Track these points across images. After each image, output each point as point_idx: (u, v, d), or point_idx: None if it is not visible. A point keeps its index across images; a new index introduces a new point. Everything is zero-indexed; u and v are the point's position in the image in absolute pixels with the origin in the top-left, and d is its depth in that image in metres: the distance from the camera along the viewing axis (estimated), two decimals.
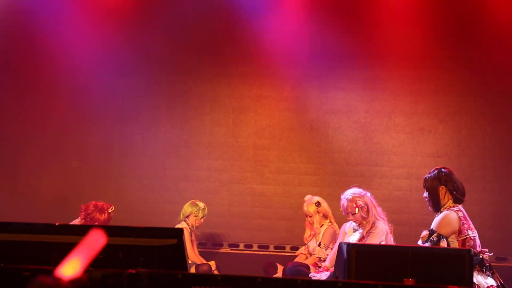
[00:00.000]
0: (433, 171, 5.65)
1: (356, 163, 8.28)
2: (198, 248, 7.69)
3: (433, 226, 5.39)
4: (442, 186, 5.51)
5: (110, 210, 6.72)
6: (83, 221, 6.68)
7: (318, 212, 7.07)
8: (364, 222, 6.18)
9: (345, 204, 6.23)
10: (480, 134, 8.09)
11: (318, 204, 7.08)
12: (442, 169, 5.64)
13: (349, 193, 6.28)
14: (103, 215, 6.69)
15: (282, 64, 8.43)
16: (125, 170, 8.39)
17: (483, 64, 8.10)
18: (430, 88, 8.23)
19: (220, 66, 8.46)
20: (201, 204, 7.53)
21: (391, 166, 8.24)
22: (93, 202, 6.75)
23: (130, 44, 8.43)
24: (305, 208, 7.13)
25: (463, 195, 5.55)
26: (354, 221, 6.25)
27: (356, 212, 6.15)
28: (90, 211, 6.65)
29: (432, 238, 5.34)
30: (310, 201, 7.14)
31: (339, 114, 8.37)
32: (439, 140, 8.21)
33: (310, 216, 7.06)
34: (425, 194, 5.58)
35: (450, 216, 5.41)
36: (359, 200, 6.18)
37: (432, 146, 8.22)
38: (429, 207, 5.55)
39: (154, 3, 8.53)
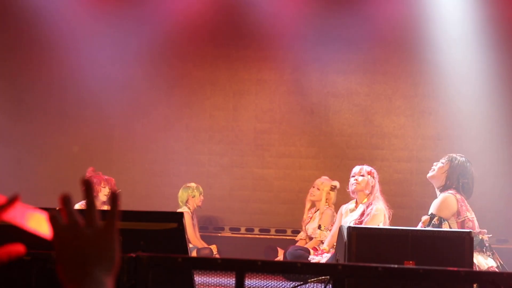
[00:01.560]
0: (462, 157, 5.67)
1: (357, 146, 8.28)
2: (199, 232, 7.71)
3: (432, 210, 5.41)
4: (460, 176, 5.57)
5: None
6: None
7: (328, 193, 7.12)
8: (366, 194, 6.14)
9: (361, 167, 6.27)
10: (481, 116, 8.08)
11: (333, 188, 7.14)
12: (468, 162, 5.68)
13: (366, 165, 6.35)
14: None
15: (282, 48, 8.41)
16: (126, 154, 8.40)
17: (484, 45, 8.07)
18: (430, 70, 8.21)
19: (220, 50, 8.44)
20: (192, 184, 7.60)
21: (392, 149, 8.24)
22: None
23: (129, 29, 8.40)
24: (319, 182, 7.15)
25: (470, 194, 5.60)
26: (354, 185, 6.19)
27: (367, 176, 6.17)
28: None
29: (434, 222, 5.36)
30: (328, 180, 7.18)
31: (339, 97, 8.36)
32: (440, 123, 8.20)
33: (319, 190, 7.09)
34: (439, 171, 5.59)
35: (448, 198, 5.45)
36: (374, 173, 6.24)
37: (433, 129, 8.21)
38: (436, 184, 5.57)
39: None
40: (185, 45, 8.45)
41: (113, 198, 1.23)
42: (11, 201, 1.21)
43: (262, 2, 8.33)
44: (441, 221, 5.36)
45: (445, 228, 5.31)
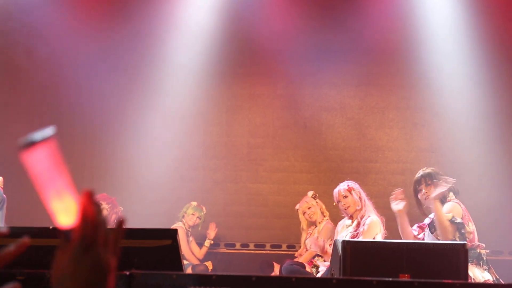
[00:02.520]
0: (429, 169, 5.73)
1: (351, 159, 8.28)
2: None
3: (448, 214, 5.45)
4: (442, 180, 5.60)
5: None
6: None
7: (317, 203, 7.15)
8: (358, 210, 6.10)
9: (338, 189, 6.19)
10: (474, 127, 8.10)
11: (315, 195, 7.17)
12: (433, 168, 5.78)
13: (343, 183, 6.29)
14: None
15: (275, 62, 8.43)
16: (119, 171, 8.37)
17: (476, 57, 8.10)
18: (422, 83, 8.23)
19: (213, 66, 8.44)
20: (193, 203, 7.63)
21: (386, 162, 8.25)
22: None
23: (120, 43, 8.41)
24: (303, 204, 7.18)
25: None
26: (345, 209, 6.13)
27: (349, 194, 6.09)
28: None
29: (455, 219, 5.39)
30: (305, 197, 7.22)
31: (332, 111, 8.37)
32: (433, 135, 8.22)
33: (310, 208, 7.11)
34: (426, 188, 5.62)
35: (458, 206, 5.50)
36: (352, 184, 6.18)
37: (426, 141, 8.23)
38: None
39: (142, 7, 8.50)
40: (177, 60, 8.45)
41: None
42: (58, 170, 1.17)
43: (254, 17, 8.36)
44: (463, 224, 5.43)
45: (469, 229, 5.38)
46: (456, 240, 5.36)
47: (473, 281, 5.17)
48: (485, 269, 5.45)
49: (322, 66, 8.34)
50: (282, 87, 8.44)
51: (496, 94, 8.06)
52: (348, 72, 8.35)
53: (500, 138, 8.01)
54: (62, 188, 1.18)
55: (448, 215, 5.42)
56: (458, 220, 5.43)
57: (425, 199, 5.63)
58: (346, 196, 6.09)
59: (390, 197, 5.68)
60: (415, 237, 5.72)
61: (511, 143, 7.99)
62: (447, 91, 8.18)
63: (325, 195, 7.58)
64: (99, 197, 7.13)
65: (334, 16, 8.33)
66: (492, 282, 5.25)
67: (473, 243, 5.48)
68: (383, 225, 6.05)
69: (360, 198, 6.10)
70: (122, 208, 7.35)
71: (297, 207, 7.33)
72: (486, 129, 8.07)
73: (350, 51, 8.30)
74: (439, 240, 5.36)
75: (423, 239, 5.68)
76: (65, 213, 1.18)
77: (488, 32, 8.07)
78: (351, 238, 5.92)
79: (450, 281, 2.74)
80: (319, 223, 7.12)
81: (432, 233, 5.50)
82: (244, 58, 8.46)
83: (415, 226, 5.80)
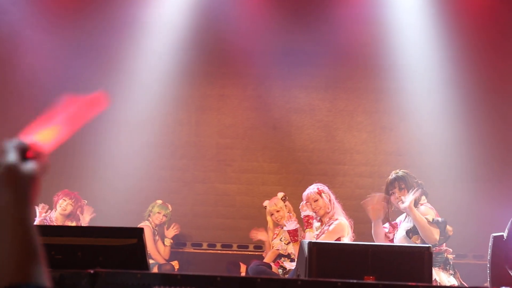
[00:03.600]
0: (401, 171, 5.76)
1: (319, 161, 8.32)
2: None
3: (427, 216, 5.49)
4: (415, 184, 5.64)
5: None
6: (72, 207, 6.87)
7: (286, 206, 7.15)
8: (327, 212, 6.11)
9: (308, 192, 6.18)
10: (441, 131, 8.18)
11: (284, 197, 7.18)
12: (406, 171, 5.80)
13: (311, 185, 6.29)
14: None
15: (245, 64, 8.44)
16: (87, 170, 8.30)
17: (445, 62, 8.19)
18: (391, 87, 8.30)
19: (182, 65, 8.42)
20: (158, 201, 7.62)
21: (354, 164, 8.30)
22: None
23: (90, 40, 8.35)
24: (272, 206, 7.18)
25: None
26: (316, 212, 6.14)
27: (319, 197, 6.09)
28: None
29: (437, 219, 5.44)
30: (275, 198, 7.22)
31: (301, 113, 8.40)
32: (401, 138, 8.28)
33: (278, 211, 7.11)
34: (399, 192, 5.64)
35: (430, 210, 5.54)
36: (321, 187, 6.18)
37: (394, 144, 8.29)
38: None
39: (115, 5, 8.45)
40: (147, 59, 8.41)
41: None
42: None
43: (225, 18, 8.36)
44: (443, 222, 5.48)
45: (450, 228, 5.43)
46: (439, 242, 5.41)
47: (438, 284, 5.21)
48: (451, 274, 5.50)
49: (291, 68, 8.36)
50: (252, 88, 8.45)
51: (463, 98, 8.15)
52: (318, 75, 8.39)
53: (466, 142, 8.10)
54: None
55: (427, 217, 5.46)
56: (440, 219, 5.47)
57: (397, 202, 5.65)
58: (316, 200, 6.09)
59: (365, 200, 5.68)
60: (386, 234, 5.75)
61: (477, 147, 8.08)
62: (415, 95, 8.25)
63: (293, 196, 7.60)
64: (61, 193, 7.09)
65: (304, 19, 8.36)
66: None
67: (441, 248, 5.53)
68: (351, 228, 6.08)
69: (330, 200, 6.12)
70: (86, 201, 7.31)
71: (265, 204, 7.33)
72: (453, 133, 8.16)
73: (320, 54, 8.34)
74: (417, 244, 5.39)
75: (393, 238, 5.72)
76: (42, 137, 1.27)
77: (457, 36, 8.16)
78: (316, 238, 5.95)
79: (414, 283, 2.77)
80: (285, 225, 7.13)
81: (410, 238, 5.53)
82: (214, 58, 8.45)
83: (386, 224, 5.83)
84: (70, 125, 1.25)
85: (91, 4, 8.47)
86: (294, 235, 6.31)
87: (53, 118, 1.25)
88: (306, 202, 6.14)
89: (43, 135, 1.25)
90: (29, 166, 1.19)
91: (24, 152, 1.20)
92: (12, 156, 1.17)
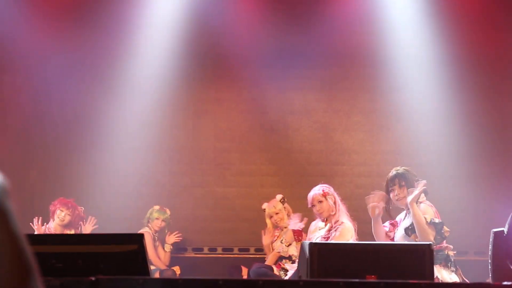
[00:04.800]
0: (402, 168, 5.76)
1: (317, 162, 8.31)
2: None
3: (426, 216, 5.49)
4: (415, 181, 5.65)
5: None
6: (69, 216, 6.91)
7: (285, 208, 7.16)
8: (332, 215, 6.11)
9: (313, 193, 6.19)
10: (438, 130, 8.18)
11: (283, 200, 7.18)
12: (407, 168, 5.81)
13: (317, 186, 6.30)
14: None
15: (240, 66, 8.43)
16: (85, 176, 8.29)
17: (441, 62, 8.19)
18: (387, 86, 8.30)
19: (178, 70, 8.41)
20: (155, 207, 7.60)
21: (352, 164, 8.30)
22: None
23: (86, 45, 8.34)
24: (270, 209, 7.18)
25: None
26: (319, 214, 6.15)
27: (324, 199, 6.10)
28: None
29: (435, 220, 5.43)
30: (274, 200, 7.22)
31: (298, 115, 8.39)
32: (398, 138, 8.28)
33: (277, 213, 7.11)
34: (399, 190, 5.64)
35: (429, 208, 5.54)
36: (327, 190, 6.19)
37: (391, 144, 8.29)
38: (403, 201, 5.61)
39: (110, 9, 8.44)
40: (143, 64, 8.40)
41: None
42: None
43: (220, 21, 8.35)
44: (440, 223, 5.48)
45: (447, 229, 5.43)
46: (434, 241, 5.41)
47: (439, 281, 5.21)
48: (453, 271, 5.50)
49: (287, 69, 8.36)
50: (248, 91, 8.44)
51: (460, 96, 8.16)
52: (313, 76, 8.39)
53: (463, 140, 8.11)
54: None
55: (426, 217, 5.46)
56: (437, 220, 5.47)
57: (397, 200, 5.66)
58: (321, 201, 6.11)
59: (368, 196, 5.70)
60: (386, 233, 5.75)
61: (475, 146, 8.09)
62: (412, 94, 8.26)
63: (291, 198, 7.61)
64: (57, 202, 7.07)
65: (299, 21, 8.36)
66: None
67: (441, 245, 5.53)
68: (355, 231, 6.08)
69: (334, 203, 6.13)
70: (83, 208, 7.30)
71: (264, 206, 7.33)
72: (450, 132, 8.16)
73: (315, 55, 8.34)
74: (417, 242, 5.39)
75: (394, 236, 5.72)
76: None
77: (452, 36, 8.16)
78: (322, 239, 5.95)
79: (415, 281, 2.76)
80: (285, 227, 7.14)
81: (409, 236, 5.53)
82: (210, 62, 8.45)
83: (386, 223, 5.83)
84: None
85: (85, 9, 8.45)
86: (298, 234, 6.30)
87: None
88: (312, 205, 6.16)
89: None
90: None
91: None
92: None
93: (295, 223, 6.25)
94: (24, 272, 1.12)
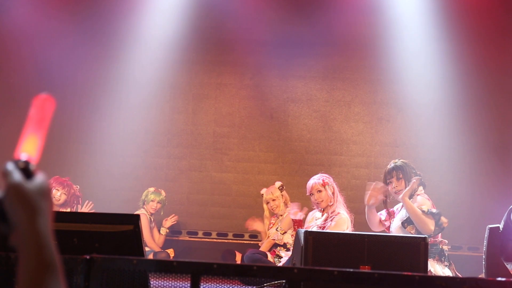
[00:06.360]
0: (400, 161, 5.78)
1: (316, 151, 8.31)
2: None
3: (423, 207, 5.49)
4: (413, 174, 5.67)
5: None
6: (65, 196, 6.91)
7: (282, 196, 7.16)
8: (329, 205, 6.12)
9: (312, 182, 6.19)
10: (438, 124, 8.18)
11: (282, 187, 7.18)
12: (405, 161, 5.83)
13: (317, 175, 6.30)
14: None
15: (243, 52, 8.41)
16: (82, 156, 8.30)
17: (443, 54, 8.18)
18: (389, 78, 8.29)
19: (180, 53, 8.40)
20: (150, 189, 7.61)
21: (350, 155, 8.30)
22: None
23: (89, 30, 8.33)
24: (268, 195, 7.18)
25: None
26: (317, 203, 6.15)
27: (323, 189, 6.10)
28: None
29: (432, 210, 5.44)
30: (272, 186, 7.23)
31: (299, 103, 8.39)
32: (398, 130, 8.28)
33: (274, 200, 7.12)
34: (397, 182, 5.66)
35: (426, 200, 5.56)
36: (327, 180, 6.19)
37: (391, 136, 8.29)
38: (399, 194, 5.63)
39: None
40: (145, 47, 8.39)
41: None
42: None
43: (223, 6, 8.33)
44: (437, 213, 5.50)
45: (444, 219, 5.45)
46: (433, 232, 5.43)
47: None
48: (446, 266, 5.52)
49: (289, 57, 8.34)
50: (250, 77, 8.43)
51: (461, 90, 8.15)
52: (316, 65, 8.37)
53: (462, 135, 8.11)
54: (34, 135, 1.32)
55: (423, 208, 5.47)
56: (434, 210, 5.49)
57: (395, 192, 5.67)
58: (320, 191, 6.11)
59: (370, 183, 5.73)
60: (381, 221, 5.77)
61: (473, 141, 8.09)
62: (413, 86, 8.25)
63: (289, 186, 7.62)
64: (52, 181, 7.08)
65: (303, 9, 8.34)
66: None
67: (436, 239, 5.54)
68: (352, 222, 6.09)
69: (333, 193, 6.13)
70: (78, 187, 7.30)
71: (262, 192, 7.34)
72: (450, 125, 8.16)
73: (318, 44, 8.33)
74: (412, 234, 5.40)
75: (389, 226, 5.73)
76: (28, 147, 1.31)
77: (456, 28, 8.15)
78: (318, 228, 5.96)
79: (409, 273, 2.77)
80: (281, 215, 7.15)
81: (405, 228, 5.54)
82: (212, 47, 8.43)
83: (383, 211, 5.84)
84: (41, 130, 1.31)
85: None
86: (299, 225, 6.31)
87: (28, 128, 1.30)
88: (310, 194, 6.16)
89: (28, 148, 1.29)
90: (37, 181, 1.25)
91: (27, 170, 1.26)
92: (16, 176, 1.23)
93: (295, 212, 6.24)
94: (45, 270, 1.17)
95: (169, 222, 7.69)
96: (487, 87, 8.15)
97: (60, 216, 3.83)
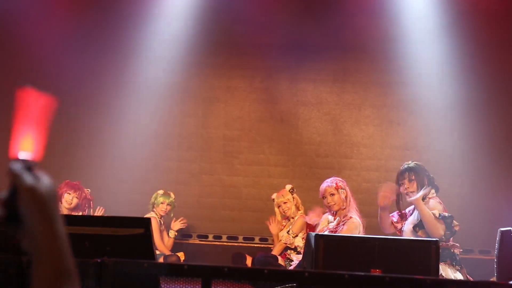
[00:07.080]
0: (413, 163, 5.76)
1: (326, 155, 8.30)
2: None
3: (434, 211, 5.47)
4: (425, 177, 5.65)
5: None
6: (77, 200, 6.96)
7: (294, 199, 7.15)
8: (342, 209, 6.07)
9: (325, 185, 6.15)
10: (448, 128, 8.16)
11: (292, 190, 7.17)
12: (419, 163, 5.80)
13: (330, 178, 6.27)
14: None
15: (253, 56, 8.42)
16: (93, 160, 8.31)
17: (454, 57, 8.15)
18: (399, 81, 8.27)
19: (190, 56, 8.41)
20: (159, 191, 7.61)
21: (360, 158, 8.28)
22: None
23: (99, 32, 8.35)
24: (279, 198, 7.17)
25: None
26: (329, 206, 6.11)
27: (336, 193, 6.06)
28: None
29: (444, 214, 5.43)
30: (283, 190, 7.22)
31: (309, 106, 8.38)
32: (408, 133, 8.26)
33: (285, 203, 7.11)
34: (408, 184, 5.64)
35: (438, 204, 5.54)
36: (340, 183, 6.16)
37: (401, 139, 8.27)
38: (411, 196, 5.60)
39: None
40: (155, 50, 8.41)
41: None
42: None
43: (233, 10, 8.34)
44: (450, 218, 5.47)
45: (456, 223, 5.43)
46: (445, 237, 5.41)
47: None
48: (458, 270, 5.49)
49: (299, 61, 8.34)
50: (260, 80, 8.44)
51: (472, 93, 8.12)
52: (326, 68, 8.37)
53: (473, 138, 8.08)
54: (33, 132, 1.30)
55: (435, 212, 5.45)
56: (447, 214, 5.46)
57: (406, 194, 5.65)
58: (332, 194, 6.06)
59: (380, 185, 5.72)
60: (393, 223, 5.74)
61: (484, 143, 8.06)
62: (424, 89, 8.23)
63: (299, 189, 7.60)
64: (63, 185, 7.07)
65: (313, 13, 8.33)
66: None
67: (448, 243, 5.52)
68: (363, 227, 6.06)
69: (346, 197, 6.09)
70: (89, 190, 7.31)
71: (273, 196, 7.33)
72: (461, 128, 8.13)
73: (328, 47, 8.32)
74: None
75: (402, 228, 5.70)
76: (26, 146, 1.28)
77: (465, 30, 8.12)
78: (330, 232, 5.94)
79: (421, 277, 2.76)
80: (292, 218, 7.14)
81: (417, 232, 5.52)
82: (222, 50, 8.44)
83: (395, 213, 5.81)
84: (37, 126, 1.29)
85: None
86: (311, 229, 6.28)
87: (24, 127, 1.29)
88: (323, 197, 6.12)
89: (26, 146, 1.28)
90: (47, 183, 1.23)
91: (32, 169, 1.24)
92: (28, 178, 1.21)
93: (312, 217, 6.19)
94: (62, 276, 1.17)
95: (177, 224, 7.69)
96: (499, 90, 8.12)
97: (72, 220, 3.84)
